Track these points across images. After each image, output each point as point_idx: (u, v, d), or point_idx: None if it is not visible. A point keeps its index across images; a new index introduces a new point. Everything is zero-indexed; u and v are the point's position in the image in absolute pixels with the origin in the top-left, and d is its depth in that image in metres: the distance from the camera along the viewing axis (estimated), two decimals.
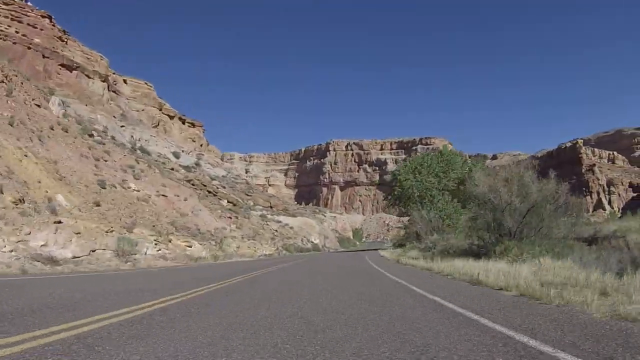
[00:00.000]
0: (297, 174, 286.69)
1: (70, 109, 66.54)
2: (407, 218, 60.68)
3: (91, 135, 53.37)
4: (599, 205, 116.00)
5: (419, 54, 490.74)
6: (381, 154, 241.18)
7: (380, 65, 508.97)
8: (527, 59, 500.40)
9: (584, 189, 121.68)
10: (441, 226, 40.98)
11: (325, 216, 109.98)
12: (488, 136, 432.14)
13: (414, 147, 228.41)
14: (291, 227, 69.98)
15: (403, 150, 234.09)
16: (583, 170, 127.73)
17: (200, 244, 28.68)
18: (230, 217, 47.23)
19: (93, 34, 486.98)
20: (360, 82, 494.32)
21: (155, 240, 23.99)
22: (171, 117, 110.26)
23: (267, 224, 63.86)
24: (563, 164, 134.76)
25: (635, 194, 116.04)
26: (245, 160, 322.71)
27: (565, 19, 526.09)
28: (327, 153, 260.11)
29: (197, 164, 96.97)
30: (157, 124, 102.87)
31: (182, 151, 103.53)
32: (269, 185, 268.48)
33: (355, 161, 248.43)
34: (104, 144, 54.06)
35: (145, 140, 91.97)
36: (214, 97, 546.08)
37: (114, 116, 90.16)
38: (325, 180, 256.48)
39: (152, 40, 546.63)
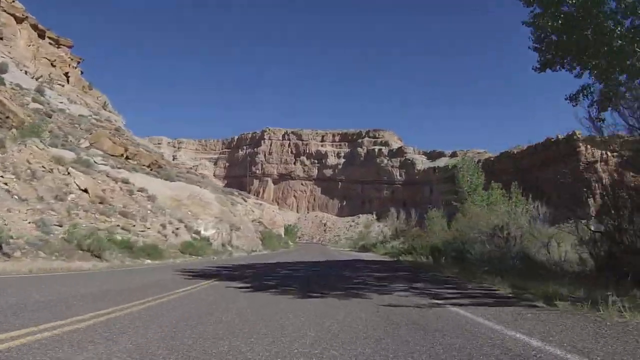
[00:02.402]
0: (227, 164, 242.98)
1: None
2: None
3: None
4: None
5: (365, 45, 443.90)
6: (322, 146, 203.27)
7: (321, 50, 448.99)
8: (485, 56, 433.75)
9: (585, 190, 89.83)
10: None
11: (246, 201, 69.48)
12: (442, 133, 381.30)
13: (359, 140, 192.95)
14: (149, 197, 29.23)
15: (347, 144, 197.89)
16: (581, 168, 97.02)
17: None
18: None
19: None
20: (301, 69, 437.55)
21: None
22: (19, 20, 65.20)
23: (75, 182, 22.66)
24: (552, 160, 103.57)
25: None
26: (174, 146, 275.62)
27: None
28: (262, 142, 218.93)
29: (39, 90, 54.19)
30: None
31: (26, 71, 60.05)
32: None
33: (292, 152, 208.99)
34: None
35: None
36: (138, 70, 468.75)
37: None
38: (257, 171, 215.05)
39: None
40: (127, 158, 35.78)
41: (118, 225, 20.55)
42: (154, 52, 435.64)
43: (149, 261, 17.93)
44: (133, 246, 18.05)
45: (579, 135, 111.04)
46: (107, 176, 28.06)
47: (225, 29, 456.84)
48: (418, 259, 23.44)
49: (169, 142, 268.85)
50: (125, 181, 29.05)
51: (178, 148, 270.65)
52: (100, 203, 22.39)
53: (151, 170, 36.19)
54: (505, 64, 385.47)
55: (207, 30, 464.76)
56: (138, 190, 29.16)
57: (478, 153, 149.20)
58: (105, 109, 78.34)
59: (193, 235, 29.28)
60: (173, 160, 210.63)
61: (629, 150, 10.44)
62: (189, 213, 31.67)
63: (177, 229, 27.69)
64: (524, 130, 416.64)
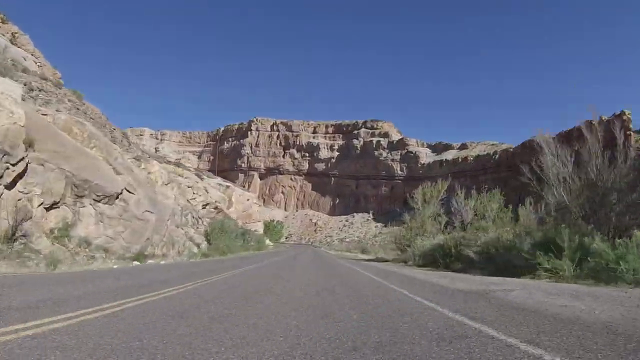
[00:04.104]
0: (211, 157, 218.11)
1: None
2: None
3: None
4: None
5: (359, 33, 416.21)
6: (313, 138, 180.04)
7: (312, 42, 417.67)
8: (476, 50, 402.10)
9: None
10: None
11: (203, 178, 46.23)
12: (445, 125, 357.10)
13: (355, 131, 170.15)
14: None
15: (341, 135, 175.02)
16: (633, 155, 72.51)
17: None
18: None
19: None
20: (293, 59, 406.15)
21: None
22: None
23: None
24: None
25: None
26: (157, 138, 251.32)
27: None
28: (249, 133, 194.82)
29: None
30: None
31: None
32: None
33: (281, 144, 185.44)
34: None
35: None
36: (122, 60, 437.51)
37: None
38: (243, 165, 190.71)
39: None
40: None
41: None
42: (140, 42, 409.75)
43: None
44: None
45: (628, 115, 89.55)
46: None
47: (212, 17, 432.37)
48: None
49: (151, 134, 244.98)
50: None
51: (161, 140, 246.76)
52: None
53: None
54: (511, 59, 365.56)
55: (194, 19, 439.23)
56: None
57: (493, 144, 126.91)
58: (13, 43, 54.41)
59: None
60: (155, 152, 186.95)
61: None
62: None
63: None
64: (543, 120, 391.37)
